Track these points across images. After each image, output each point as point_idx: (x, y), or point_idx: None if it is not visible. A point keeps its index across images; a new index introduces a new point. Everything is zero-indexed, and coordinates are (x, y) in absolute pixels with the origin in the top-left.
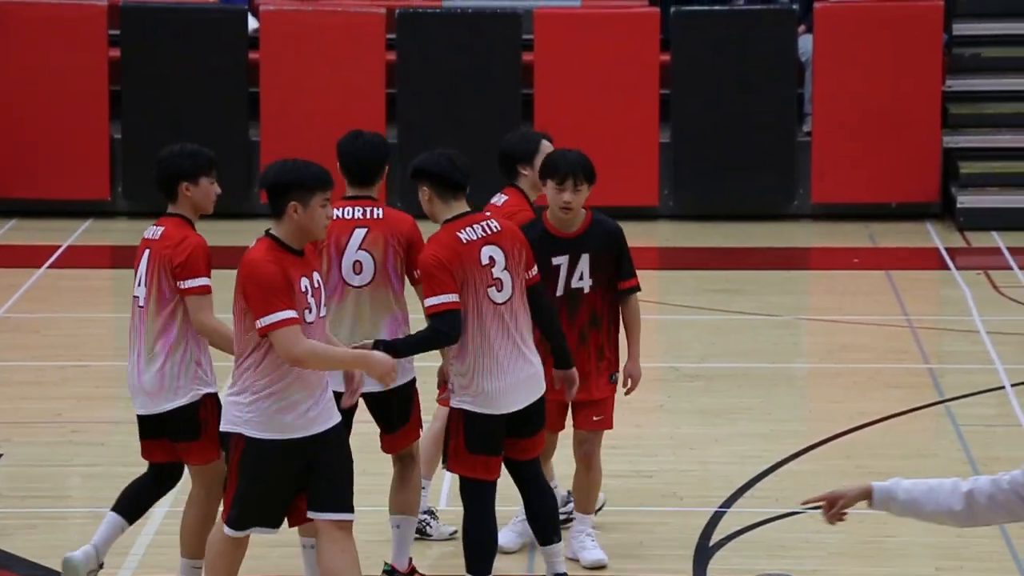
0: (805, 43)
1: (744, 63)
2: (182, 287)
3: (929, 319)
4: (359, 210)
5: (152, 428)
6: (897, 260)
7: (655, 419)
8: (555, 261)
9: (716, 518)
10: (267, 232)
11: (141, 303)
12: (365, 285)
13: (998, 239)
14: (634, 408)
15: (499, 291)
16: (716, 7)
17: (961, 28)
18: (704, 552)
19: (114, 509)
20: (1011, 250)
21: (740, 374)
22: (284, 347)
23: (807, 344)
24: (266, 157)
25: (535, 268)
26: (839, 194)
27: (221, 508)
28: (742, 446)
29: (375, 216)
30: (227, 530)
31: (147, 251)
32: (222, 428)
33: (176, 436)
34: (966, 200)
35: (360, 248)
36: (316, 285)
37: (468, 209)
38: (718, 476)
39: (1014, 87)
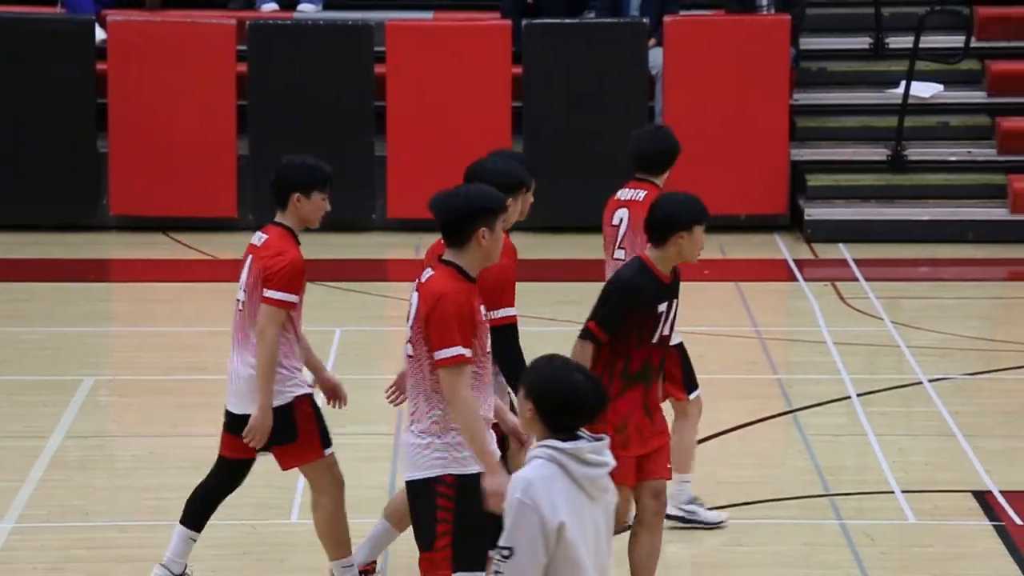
0: (655, 56)
1: (595, 76)
2: (265, 295)
3: (777, 330)
4: None
5: (237, 426)
6: (746, 271)
7: None
8: (659, 308)
9: None
10: (442, 259)
11: (240, 307)
12: None
13: (844, 251)
14: None
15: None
16: (567, 20)
17: (808, 43)
18: None
19: (181, 522)
20: (857, 262)
21: None
22: (454, 385)
23: None
24: (115, 169)
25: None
26: None
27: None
28: None
29: None
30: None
31: (250, 257)
32: (420, 476)
33: (272, 440)
34: (813, 212)
35: None
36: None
37: None
38: None
39: (859, 101)
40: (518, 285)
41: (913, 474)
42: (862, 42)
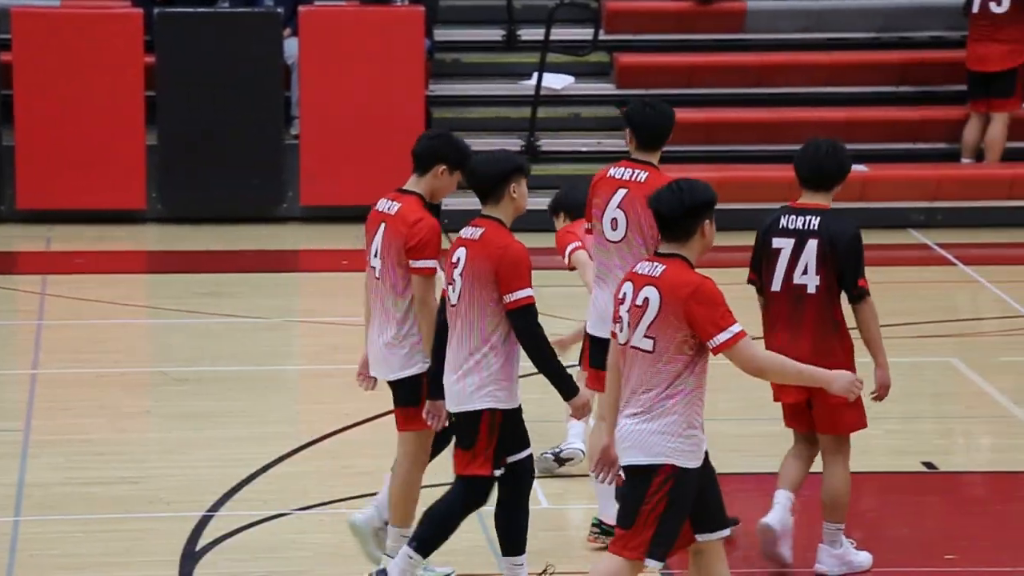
0: (291, 46)
1: (230, 65)
2: (413, 266)
3: None
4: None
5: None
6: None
7: (142, 424)
8: None
9: (204, 523)
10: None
11: (377, 275)
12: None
13: None
14: (121, 413)
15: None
16: (201, 9)
17: (442, 34)
18: (190, 558)
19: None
20: None
21: (230, 377)
22: (747, 357)
23: (297, 346)
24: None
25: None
26: (328, 197)
27: (629, 546)
28: (231, 450)
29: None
30: (651, 562)
31: (383, 224)
32: (641, 462)
33: (400, 401)
34: (449, 202)
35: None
36: None
37: None
38: (207, 480)
39: (494, 92)
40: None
41: None
42: (495, 34)
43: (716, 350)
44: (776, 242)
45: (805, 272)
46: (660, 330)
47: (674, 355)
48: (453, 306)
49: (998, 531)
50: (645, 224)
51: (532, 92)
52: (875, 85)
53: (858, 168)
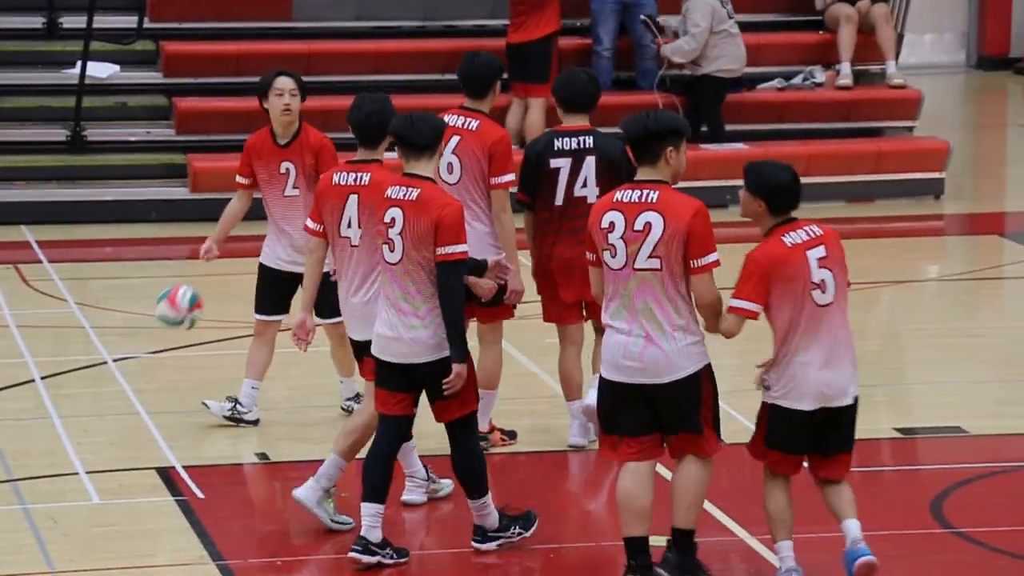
0: None
1: None
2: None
3: None
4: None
5: None
6: None
7: None
8: None
9: None
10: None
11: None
12: None
13: (27, 233)
14: None
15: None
16: None
17: None
18: None
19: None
20: (40, 243)
21: None
22: (711, 289)
23: None
24: None
25: None
26: None
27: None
28: None
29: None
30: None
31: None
32: (691, 371)
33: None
34: None
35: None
36: None
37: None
38: None
39: (35, 81)
40: None
41: (99, 455)
42: (35, 21)
43: (698, 269)
44: (554, 162)
45: (585, 185)
46: (666, 249)
47: (679, 269)
48: None
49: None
50: (477, 171)
51: (76, 81)
52: (422, 73)
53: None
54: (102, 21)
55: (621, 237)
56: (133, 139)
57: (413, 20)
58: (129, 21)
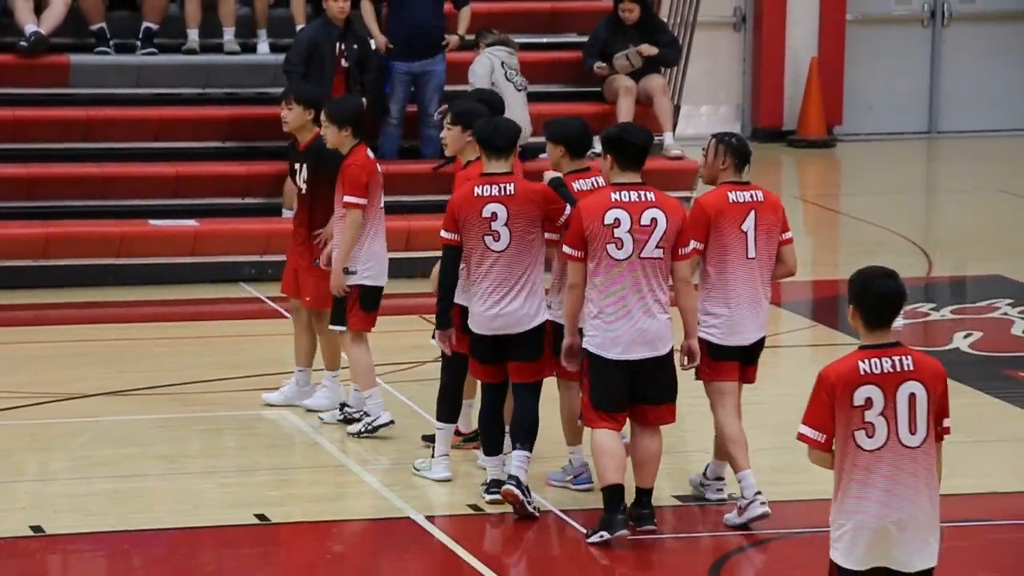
0: None
1: None
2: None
3: None
4: None
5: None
6: None
7: None
8: None
9: None
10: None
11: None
12: None
13: None
14: None
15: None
16: None
17: None
18: None
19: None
20: None
21: None
22: (690, 269)
23: None
24: None
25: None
26: None
27: None
28: None
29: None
30: None
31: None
32: (671, 342)
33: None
34: None
35: None
36: None
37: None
38: None
39: None
40: None
41: None
42: None
43: (685, 256)
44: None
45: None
46: (667, 240)
47: (670, 256)
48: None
49: None
50: None
51: None
52: (203, 140)
53: (188, 223)
54: None
55: (629, 231)
56: None
57: (193, 87)
58: None
